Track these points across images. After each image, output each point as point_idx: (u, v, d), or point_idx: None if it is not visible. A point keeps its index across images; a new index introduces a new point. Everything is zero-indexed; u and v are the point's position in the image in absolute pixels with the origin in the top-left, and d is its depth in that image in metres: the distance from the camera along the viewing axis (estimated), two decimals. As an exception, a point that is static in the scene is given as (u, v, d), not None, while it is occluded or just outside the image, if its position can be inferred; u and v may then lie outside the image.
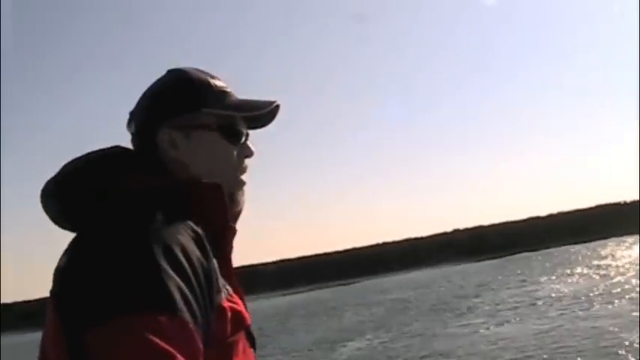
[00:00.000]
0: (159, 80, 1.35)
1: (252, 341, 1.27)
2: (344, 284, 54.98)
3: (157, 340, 0.91)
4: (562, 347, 12.48)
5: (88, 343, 0.92)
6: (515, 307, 19.63)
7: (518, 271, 34.73)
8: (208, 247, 1.11)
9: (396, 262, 65.40)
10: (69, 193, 1.21)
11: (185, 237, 1.06)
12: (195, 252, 1.06)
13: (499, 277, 32.69)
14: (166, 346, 0.91)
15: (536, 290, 23.90)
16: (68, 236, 1.14)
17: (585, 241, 48.31)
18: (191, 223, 1.11)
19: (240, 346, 1.19)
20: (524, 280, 29.21)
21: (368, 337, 18.42)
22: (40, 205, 1.24)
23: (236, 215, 1.34)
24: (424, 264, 61.36)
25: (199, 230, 1.12)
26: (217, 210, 1.22)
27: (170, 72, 1.35)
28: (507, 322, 17.06)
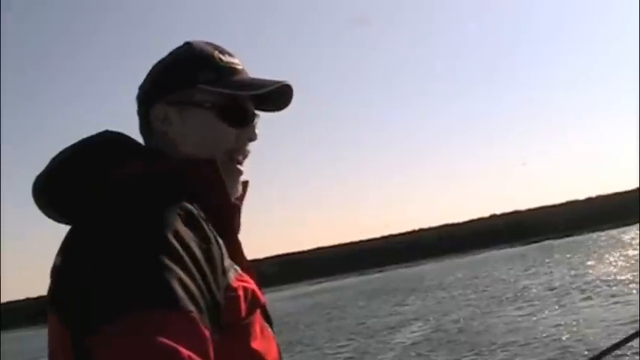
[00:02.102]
0: (167, 54, 1.30)
1: (269, 320, 1.24)
2: (381, 271, 54.83)
3: (161, 337, 0.88)
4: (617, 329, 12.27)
5: (91, 346, 0.90)
6: (567, 293, 19.42)
7: (567, 255, 34.28)
8: (207, 227, 1.07)
9: (434, 248, 65.08)
10: (59, 187, 1.17)
11: (179, 222, 1.02)
12: (191, 236, 1.02)
13: (545, 262, 32.34)
14: (171, 343, 0.88)
15: (585, 274, 23.61)
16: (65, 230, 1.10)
17: (629, 224, 47.42)
18: (186, 205, 1.06)
19: (257, 326, 1.15)
20: (571, 264, 28.87)
21: (419, 324, 18.38)
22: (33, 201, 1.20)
23: (238, 195, 1.28)
24: (462, 250, 60.90)
25: (195, 210, 1.07)
26: (214, 186, 1.17)
27: (181, 45, 1.30)
28: (561, 307, 16.89)
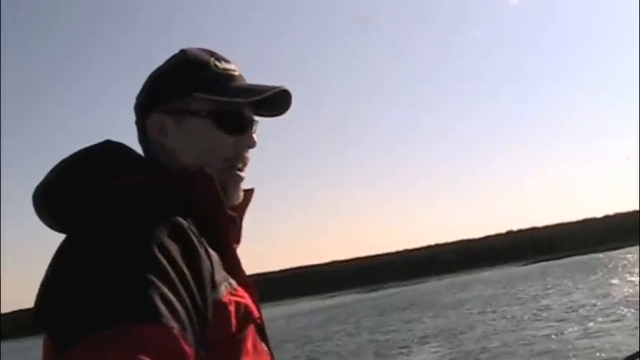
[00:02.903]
0: (163, 62, 1.28)
1: (263, 335, 1.21)
2: (395, 286, 54.54)
3: (139, 353, 0.85)
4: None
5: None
6: (588, 314, 19.08)
7: (586, 274, 33.88)
8: (196, 241, 1.04)
9: (450, 264, 64.68)
10: (57, 197, 1.16)
11: (166, 235, 1.00)
12: (178, 250, 0.99)
13: (564, 280, 31.96)
14: (148, 359, 0.85)
15: (607, 295, 23.24)
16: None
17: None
18: (176, 218, 1.04)
19: (250, 342, 1.12)
20: (592, 284, 28.46)
21: (436, 343, 18.09)
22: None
23: (240, 205, 1.25)
24: (478, 266, 60.51)
25: (185, 223, 1.05)
26: (209, 198, 1.14)
27: (176, 53, 1.28)
28: (580, 326, 16.58)
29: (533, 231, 77.93)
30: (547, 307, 22.03)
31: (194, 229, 1.06)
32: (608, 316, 18.17)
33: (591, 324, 16.91)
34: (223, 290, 1.07)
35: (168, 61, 1.27)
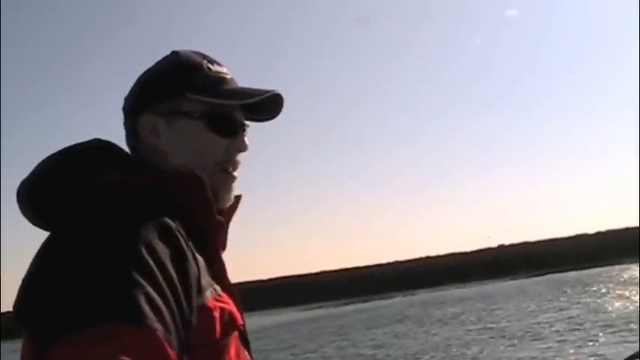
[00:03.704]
0: (154, 64, 1.28)
1: (246, 343, 1.22)
2: (385, 298, 54.04)
3: (119, 354, 0.85)
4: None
5: (48, 358, 0.87)
6: (584, 331, 18.50)
7: (578, 290, 33.39)
8: (184, 244, 1.04)
9: (440, 276, 64.38)
10: (40, 194, 1.15)
11: (154, 236, 1.00)
12: (166, 251, 0.99)
13: (557, 297, 31.45)
14: (128, 359, 0.85)
15: (601, 311, 22.68)
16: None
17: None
18: (164, 219, 1.04)
19: (232, 349, 1.12)
20: (584, 300, 27.96)
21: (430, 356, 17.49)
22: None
23: (227, 210, 1.24)
24: (468, 280, 60.14)
25: (173, 225, 1.04)
26: (198, 201, 1.14)
27: (168, 55, 1.29)
28: (578, 342, 16.01)
29: (525, 245, 77.67)
30: (544, 323, 21.38)
31: (182, 232, 1.05)
32: (606, 332, 17.57)
33: (590, 341, 16.33)
34: (209, 295, 1.07)
35: (160, 62, 1.27)
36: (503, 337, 19.34)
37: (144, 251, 0.95)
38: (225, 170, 1.24)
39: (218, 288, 1.12)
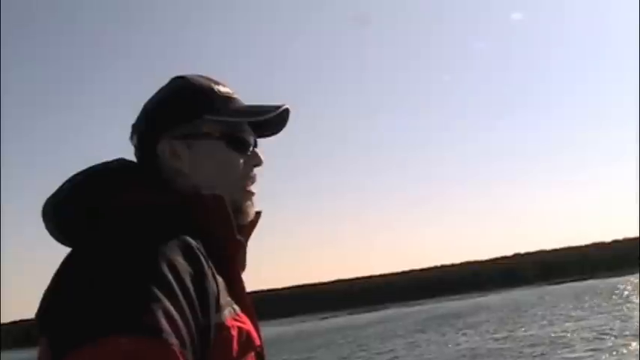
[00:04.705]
0: (160, 89, 1.31)
1: None
2: (396, 307, 53.73)
3: None
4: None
5: None
6: (607, 337, 18.23)
7: (597, 300, 33.02)
8: (205, 263, 1.06)
9: (457, 285, 64.00)
10: (65, 211, 1.19)
11: (176, 253, 1.02)
12: (187, 269, 1.02)
13: (577, 304, 31.12)
14: None
15: (625, 319, 22.36)
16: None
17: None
18: (186, 237, 1.07)
19: None
20: (604, 308, 27.62)
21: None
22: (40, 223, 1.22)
23: (246, 228, 1.27)
24: (485, 288, 59.75)
25: (195, 245, 1.07)
26: (220, 222, 1.17)
27: (172, 79, 1.31)
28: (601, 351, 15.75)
29: (540, 254, 77.16)
30: (569, 332, 21.09)
31: (203, 251, 1.07)
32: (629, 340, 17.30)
33: (615, 351, 16.07)
34: (227, 314, 1.08)
35: (168, 87, 1.30)
36: (533, 345, 19.11)
37: (165, 267, 0.98)
38: (246, 186, 1.27)
39: (237, 308, 1.13)
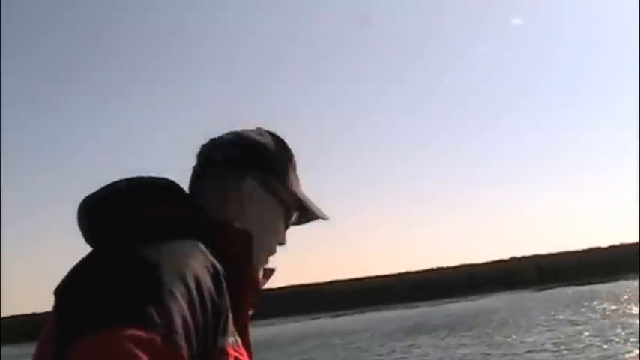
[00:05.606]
0: (261, 131, 1.38)
1: None
2: (392, 309, 53.61)
3: (142, 355, 0.88)
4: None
5: (74, 350, 0.91)
6: (605, 344, 18.04)
7: (593, 304, 32.87)
8: (224, 286, 1.08)
9: (453, 288, 63.92)
10: (97, 214, 1.20)
11: (202, 267, 1.05)
12: (209, 287, 1.04)
13: (575, 309, 30.96)
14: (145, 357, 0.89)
15: (623, 326, 22.18)
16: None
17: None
18: (214, 259, 1.09)
19: None
20: (600, 313, 27.47)
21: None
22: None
23: (259, 276, 1.32)
24: (481, 291, 59.67)
25: (220, 268, 1.09)
26: (241, 258, 1.19)
27: (268, 132, 1.38)
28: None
29: (536, 258, 77.11)
30: (562, 336, 20.91)
31: (224, 277, 1.09)
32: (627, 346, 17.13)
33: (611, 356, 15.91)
34: (230, 342, 1.09)
35: (273, 137, 1.37)
36: (530, 351, 18.90)
37: (189, 276, 1.00)
38: (268, 252, 1.34)
39: (239, 340, 1.14)
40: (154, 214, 1.17)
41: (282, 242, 1.36)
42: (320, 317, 55.61)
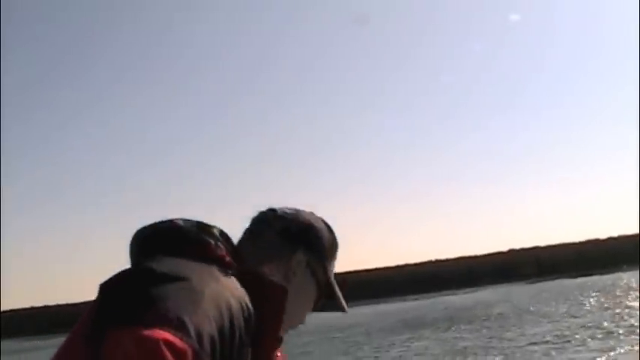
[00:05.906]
0: (316, 216, 1.48)
1: None
2: (391, 302, 53.50)
3: (168, 353, 0.94)
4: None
5: (112, 340, 0.96)
6: (608, 335, 17.84)
7: (593, 296, 32.70)
8: (252, 327, 1.15)
9: (451, 280, 63.80)
10: (150, 246, 1.24)
11: (237, 303, 1.11)
12: (240, 320, 1.10)
13: (575, 301, 30.79)
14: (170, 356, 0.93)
15: (624, 317, 21.98)
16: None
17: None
18: (248, 300, 1.15)
19: None
20: (602, 304, 27.28)
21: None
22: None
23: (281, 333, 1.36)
24: (479, 283, 59.56)
25: (253, 310, 1.15)
26: (272, 311, 1.26)
27: (322, 220, 1.49)
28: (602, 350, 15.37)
29: (535, 250, 76.99)
30: (561, 328, 20.70)
31: (254, 315, 1.17)
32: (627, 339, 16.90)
33: (611, 349, 15.69)
34: None
35: (324, 222, 1.48)
36: (530, 343, 18.68)
37: (224, 306, 1.06)
38: (288, 326, 1.39)
39: None
40: (208, 252, 1.22)
41: (302, 322, 1.43)
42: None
